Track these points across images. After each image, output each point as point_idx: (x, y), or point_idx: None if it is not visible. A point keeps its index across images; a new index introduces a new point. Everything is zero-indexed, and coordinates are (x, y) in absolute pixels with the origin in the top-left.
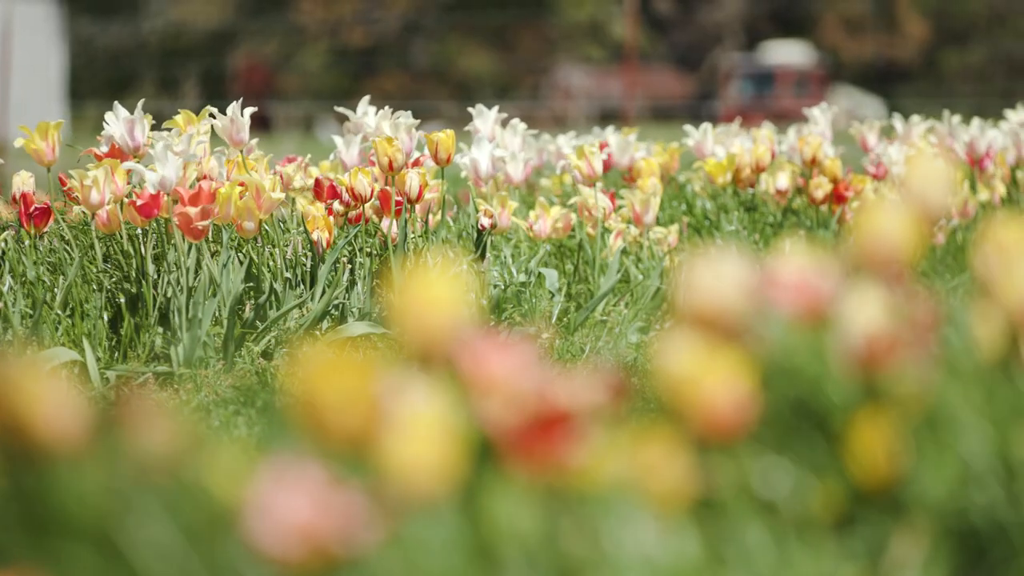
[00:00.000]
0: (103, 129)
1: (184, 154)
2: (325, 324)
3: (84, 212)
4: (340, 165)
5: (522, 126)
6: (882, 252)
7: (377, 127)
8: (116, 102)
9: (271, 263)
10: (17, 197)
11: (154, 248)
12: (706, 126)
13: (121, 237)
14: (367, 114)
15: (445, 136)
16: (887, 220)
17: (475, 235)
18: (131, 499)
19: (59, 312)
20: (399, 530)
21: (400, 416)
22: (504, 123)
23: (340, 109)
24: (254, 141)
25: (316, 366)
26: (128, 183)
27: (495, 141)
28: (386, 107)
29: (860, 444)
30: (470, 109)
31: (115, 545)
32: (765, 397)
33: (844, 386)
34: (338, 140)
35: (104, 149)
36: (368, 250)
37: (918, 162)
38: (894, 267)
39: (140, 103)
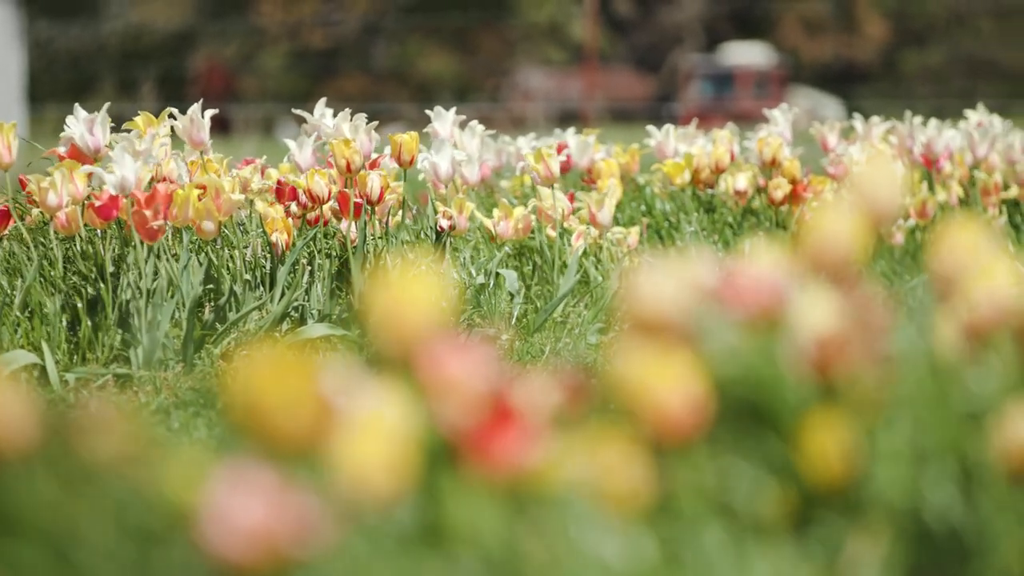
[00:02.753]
0: (63, 131)
1: (145, 155)
2: (285, 326)
3: (43, 214)
4: (296, 167)
5: (480, 128)
6: (832, 253)
7: (337, 128)
8: (77, 104)
9: (230, 265)
10: None
11: (114, 250)
12: (668, 127)
13: (81, 239)
14: (324, 116)
15: (409, 138)
16: (836, 221)
17: (434, 237)
18: (81, 503)
19: (18, 315)
20: (351, 533)
21: (351, 418)
22: (463, 125)
23: (297, 111)
24: (209, 143)
25: (258, 368)
26: (88, 185)
27: (454, 143)
28: (346, 109)
29: (813, 445)
30: (428, 112)
31: (65, 550)
32: (719, 399)
33: (796, 388)
34: (291, 143)
35: (64, 151)
36: (327, 252)
37: (869, 163)
38: (845, 268)
39: (105, 107)
